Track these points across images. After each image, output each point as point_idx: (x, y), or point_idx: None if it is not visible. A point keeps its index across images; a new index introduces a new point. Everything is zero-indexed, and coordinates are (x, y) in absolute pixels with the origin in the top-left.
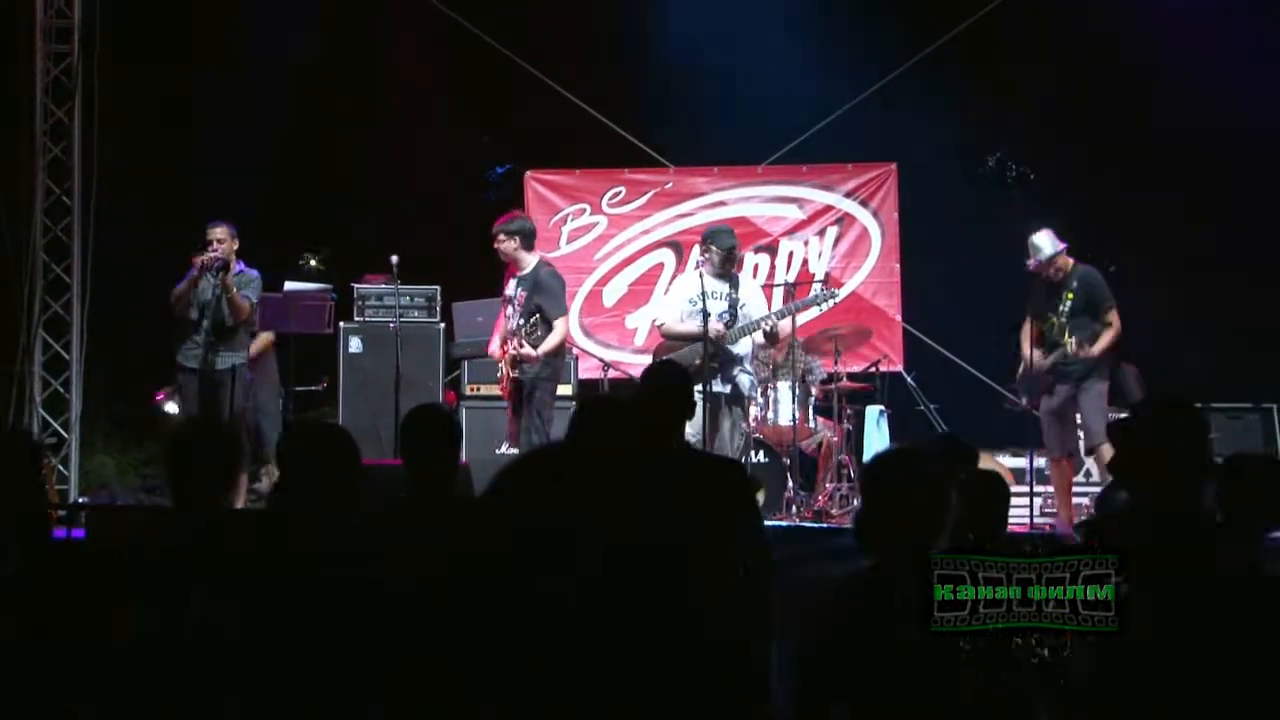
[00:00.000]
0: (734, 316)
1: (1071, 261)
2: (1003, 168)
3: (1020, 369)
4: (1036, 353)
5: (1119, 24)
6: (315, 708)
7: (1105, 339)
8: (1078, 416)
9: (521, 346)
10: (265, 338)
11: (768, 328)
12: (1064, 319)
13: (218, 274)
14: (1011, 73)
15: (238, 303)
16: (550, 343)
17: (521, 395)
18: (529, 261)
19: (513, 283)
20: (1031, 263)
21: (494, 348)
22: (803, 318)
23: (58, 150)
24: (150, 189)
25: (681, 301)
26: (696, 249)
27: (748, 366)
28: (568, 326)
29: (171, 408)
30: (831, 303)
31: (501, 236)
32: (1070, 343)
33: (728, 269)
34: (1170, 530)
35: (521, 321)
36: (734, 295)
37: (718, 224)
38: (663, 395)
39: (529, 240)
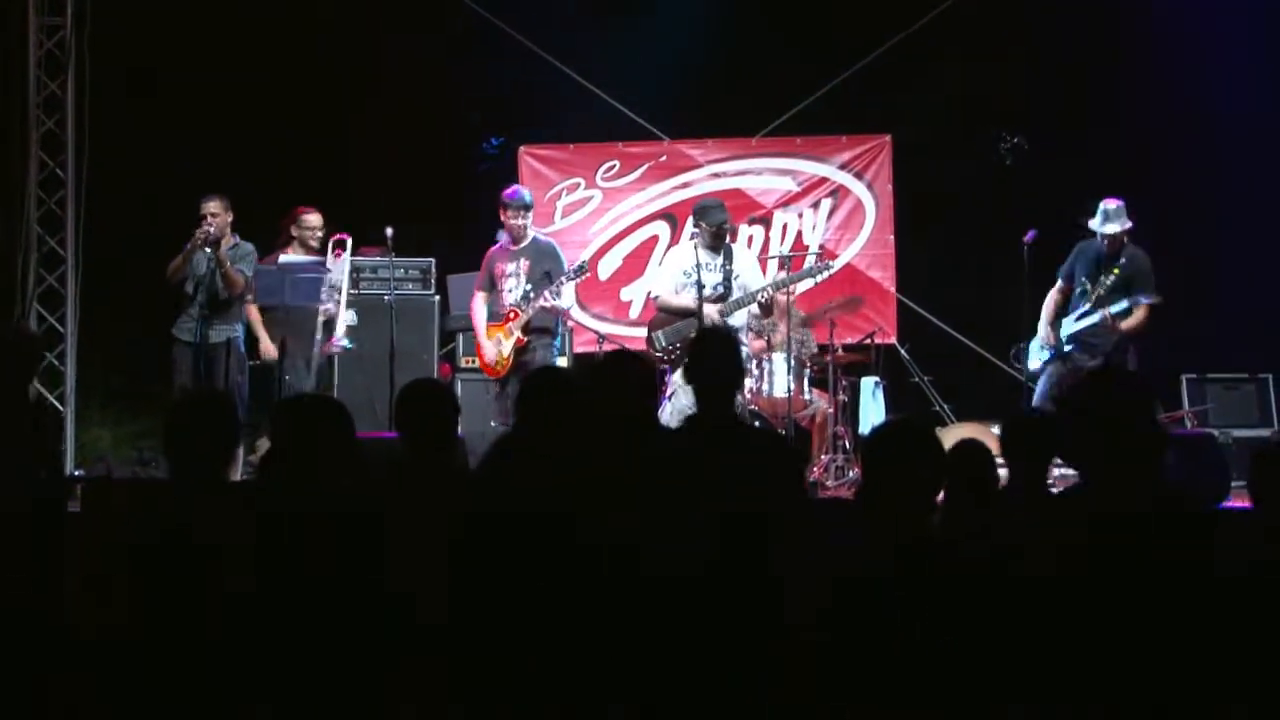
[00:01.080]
0: (728, 288)
1: (1126, 239)
2: (999, 138)
3: (1041, 335)
4: (1048, 325)
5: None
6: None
7: (1137, 316)
8: None
9: (540, 301)
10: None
11: (764, 299)
12: (1104, 290)
13: (212, 247)
14: (1007, 42)
15: (232, 276)
16: (570, 297)
17: (525, 369)
18: (531, 232)
19: (509, 257)
20: (1102, 227)
21: (483, 329)
22: (797, 290)
23: (51, 123)
24: (144, 162)
25: (676, 274)
26: (690, 221)
27: (742, 339)
28: None
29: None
30: (827, 274)
31: (521, 211)
32: (1107, 314)
33: (719, 243)
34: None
35: (529, 288)
36: (728, 267)
37: (709, 197)
38: (716, 362)
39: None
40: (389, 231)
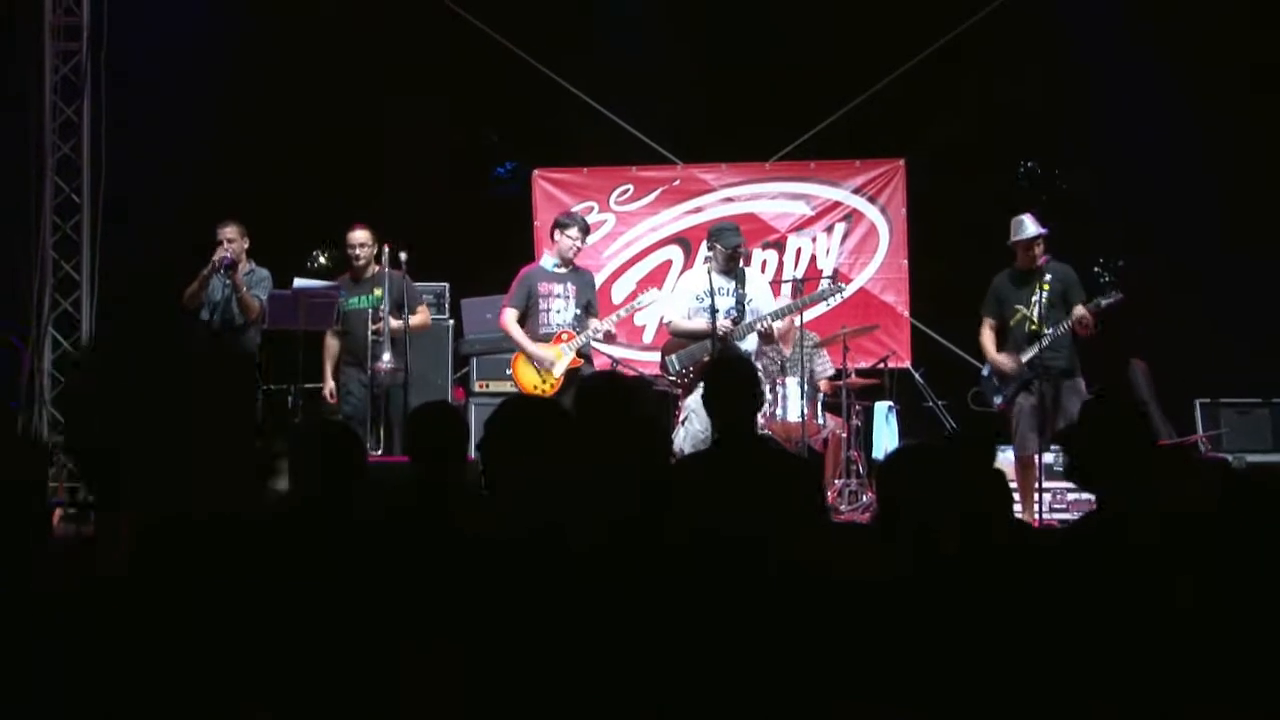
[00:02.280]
0: (741, 312)
1: (1046, 255)
2: (1036, 175)
3: (986, 371)
4: (1001, 355)
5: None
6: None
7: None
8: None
9: (597, 331)
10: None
11: (762, 328)
12: (1042, 308)
13: (227, 273)
14: (1023, 66)
15: (248, 301)
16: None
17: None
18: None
19: (557, 279)
20: (1014, 240)
21: (528, 343)
22: (811, 314)
23: (67, 148)
24: (159, 187)
25: (688, 298)
26: (704, 245)
27: (756, 364)
28: None
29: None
30: (840, 297)
31: (583, 234)
32: (1068, 319)
33: (733, 266)
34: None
35: (579, 312)
36: (741, 291)
37: (724, 220)
38: (734, 384)
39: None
40: (403, 256)
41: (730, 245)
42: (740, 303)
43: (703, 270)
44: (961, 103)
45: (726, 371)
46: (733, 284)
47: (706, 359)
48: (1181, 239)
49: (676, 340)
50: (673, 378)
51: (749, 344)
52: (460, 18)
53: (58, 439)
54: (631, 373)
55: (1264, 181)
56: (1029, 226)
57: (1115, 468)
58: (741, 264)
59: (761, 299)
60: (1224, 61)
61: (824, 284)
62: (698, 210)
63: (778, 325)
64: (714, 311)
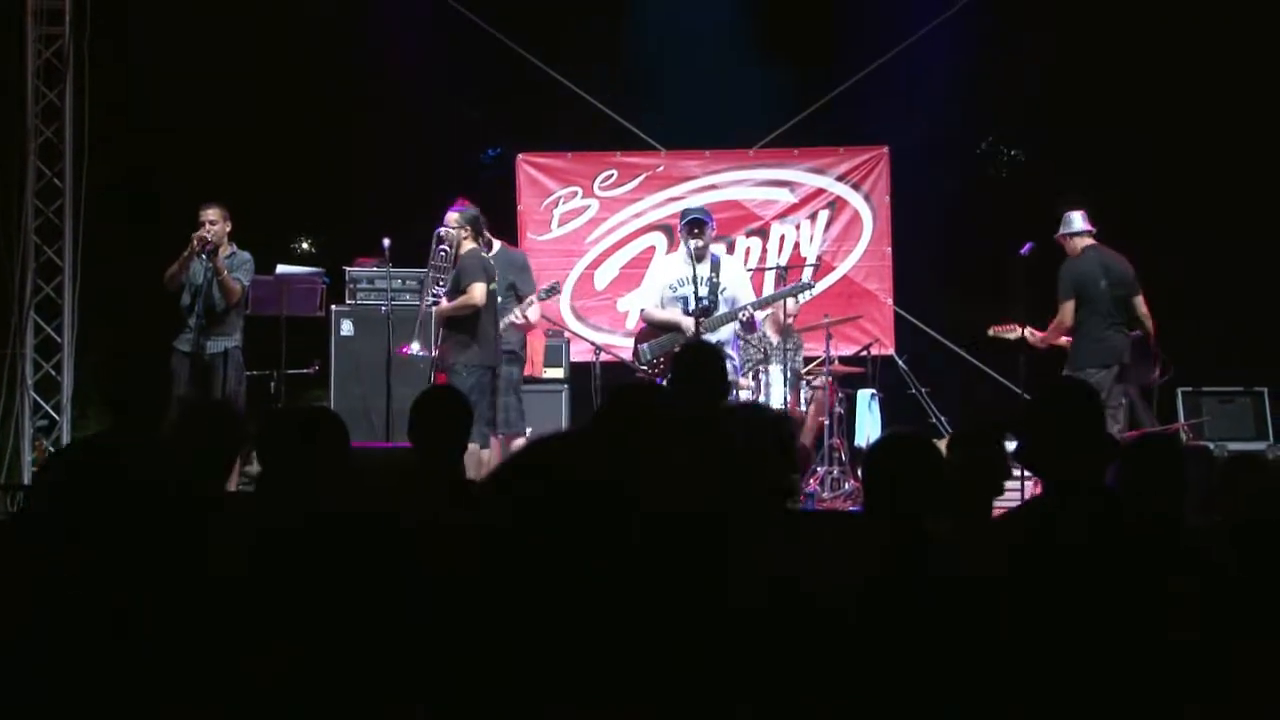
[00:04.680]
0: (713, 302)
1: (1078, 248)
2: (995, 151)
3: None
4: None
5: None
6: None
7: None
8: None
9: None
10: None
11: (744, 318)
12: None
13: (209, 256)
14: (1004, 55)
15: (229, 285)
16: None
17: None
18: (496, 244)
19: None
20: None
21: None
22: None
23: (49, 133)
24: (142, 171)
25: (660, 287)
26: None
27: (730, 352)
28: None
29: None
30: (808, 295)
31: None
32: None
33: (692, 245)
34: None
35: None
36: (714, 279)
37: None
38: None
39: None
40: (386, 242)
41: (686, 219)
42: (713, 290)
43: (675, 258)
44: (946, 90)
45: (693, 362)
46: (706, 270)
47: (677, 349)
48: (1163, 226)
49: (649, 329)
50: (644, 367)
51: (724, 334)
52: (445, 4)
53: (41, 424)
54: (613, 359)
55: (1247, 168)
56: (1072, 223)
57: (1062, 455)
58: (707, 242)
59: (736, 287)
60: (1208, 45)
61: (807, 274)
62: (681, 198)
63: (759, 315)
64: (699, 301)
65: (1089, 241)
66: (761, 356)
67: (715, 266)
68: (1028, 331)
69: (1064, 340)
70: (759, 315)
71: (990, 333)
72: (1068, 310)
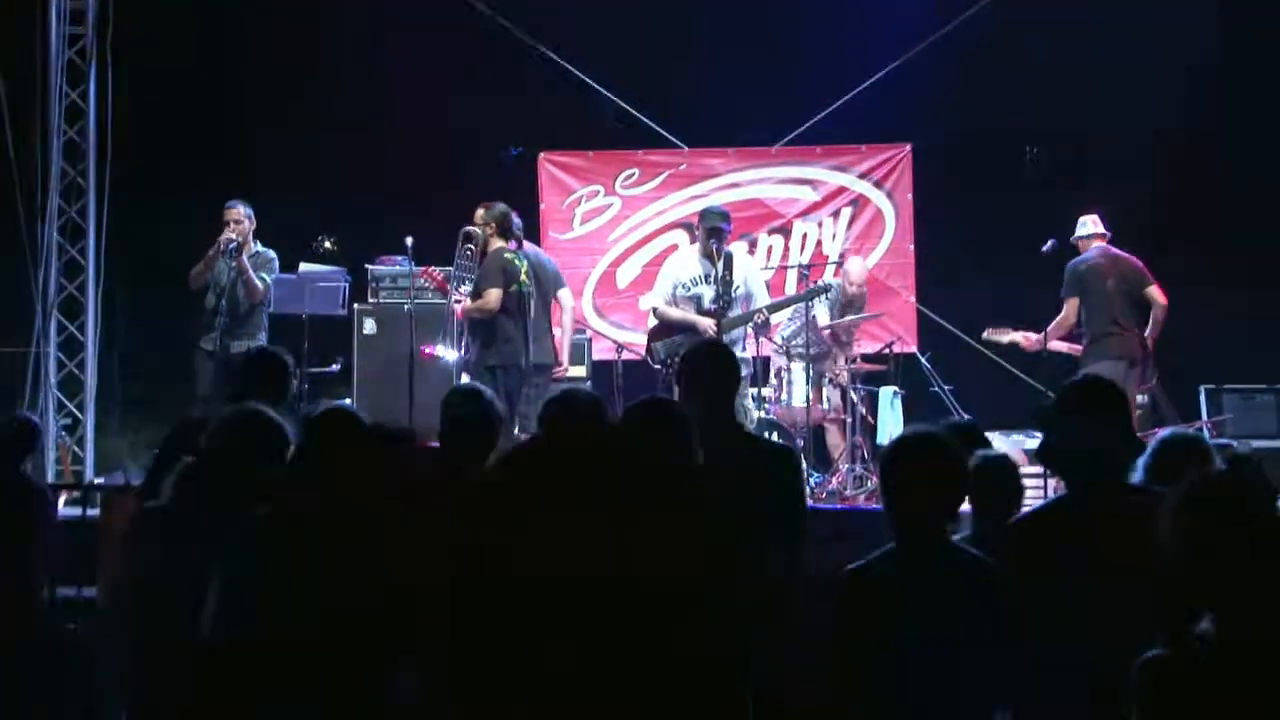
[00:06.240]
0: (726, 301)
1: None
2: (1037, 158)
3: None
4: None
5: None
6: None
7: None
8: None
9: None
10: None
11: (759, 320)
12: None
13: (233, 255)
14: (1028, 53)
15: (253, 283)
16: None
17: None
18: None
19: None
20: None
21: None
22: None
23: (73, 132)
24: (165, 170)
25: (672, 284)
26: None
27: (742, 350)
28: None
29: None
30: (825, 296)
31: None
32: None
33: (710, 248)
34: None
35: None
36: (727, 277)
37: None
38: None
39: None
40: (409, 241)
41: (708, 225)
42: (727, 289)
43: (687, 256)
44: (969, 87)
45: (703, 362)
46: (720, 270)
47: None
48: (1184, 224)
49: (662, 327)
50: (657, 365)
51: (735, 334)
52: (468, 3)
53: (64, 422)
54: (635, 356)
55: (1269, 164)
56: (1082, 227)
57: (1086, 455)
58: (723, 245)
59: (751, 285)
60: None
61: (828, 273)
62: (703, 196)
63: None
64: (699, 299)
65: (1098, 243)
66: (784, 356)
67: (728, 263)
68: (1021, 335)
69: (1063, 345)
70: (774, 318)
71: (985, 335)
72: (1070, 308)
